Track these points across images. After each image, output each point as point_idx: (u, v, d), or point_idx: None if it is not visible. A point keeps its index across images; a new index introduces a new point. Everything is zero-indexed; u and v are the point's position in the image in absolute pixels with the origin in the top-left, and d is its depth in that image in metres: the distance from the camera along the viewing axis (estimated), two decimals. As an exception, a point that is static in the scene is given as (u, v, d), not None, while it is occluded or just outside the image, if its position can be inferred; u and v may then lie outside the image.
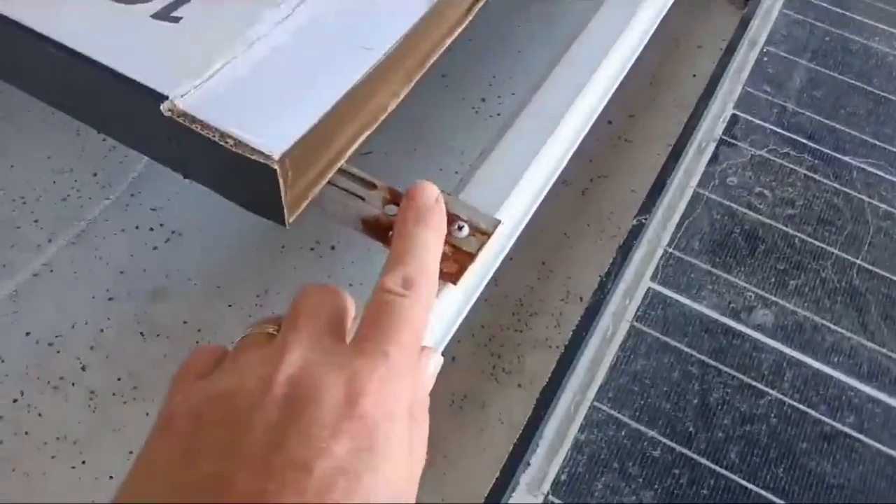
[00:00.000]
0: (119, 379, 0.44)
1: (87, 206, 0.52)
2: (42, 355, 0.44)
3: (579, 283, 0.52)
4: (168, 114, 0.34)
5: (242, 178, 0.35)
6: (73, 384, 0.43)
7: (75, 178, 0.53)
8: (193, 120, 0.34)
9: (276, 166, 0.33)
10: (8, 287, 0.47)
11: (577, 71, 0.48)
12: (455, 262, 0.36)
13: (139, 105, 0.35)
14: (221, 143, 0.33)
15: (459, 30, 0.46)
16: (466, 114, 0.64)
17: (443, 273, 0.35)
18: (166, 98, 0.34)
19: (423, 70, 0.43)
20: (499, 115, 0.64)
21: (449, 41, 0.45)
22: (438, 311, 0.35)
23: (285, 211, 0.35)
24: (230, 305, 0.48)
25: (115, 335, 0.45)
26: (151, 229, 0.51)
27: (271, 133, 0.34)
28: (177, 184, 0.54)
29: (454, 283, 0.35)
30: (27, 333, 0.45)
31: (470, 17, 0.46)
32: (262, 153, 0.33)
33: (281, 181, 0.34)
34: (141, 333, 0.46)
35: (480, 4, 0.47)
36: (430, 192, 0.32)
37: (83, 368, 0.44)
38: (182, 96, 0.35)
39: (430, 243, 0.30)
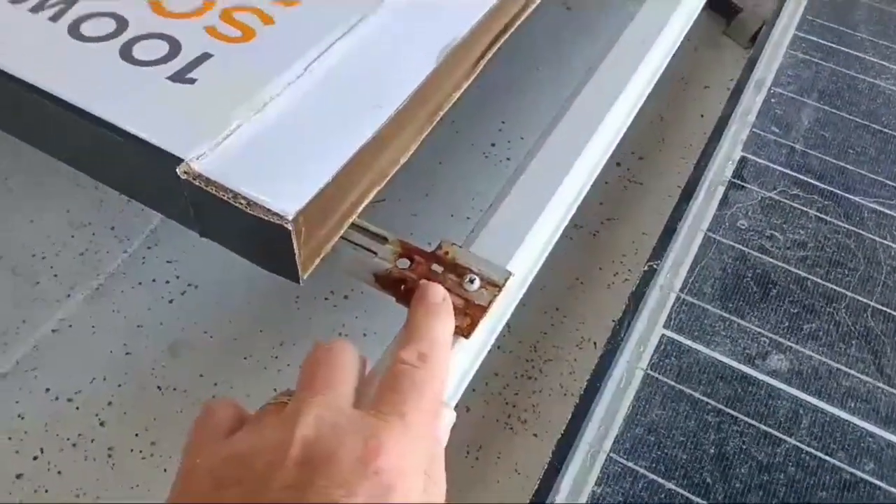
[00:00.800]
0: (137, 435, 0.44)
1: (105, 259, 0.53)
2: (61, 412, 0.45)
3: (593, 328, 0.52)
4: (184, 176, 0.35)
5: (257, 237, 0.36)
6: (92, 440, 0.43)
7: (93, 231, 0.54)
8: (208, 182, 0.35)
9: (289, 226, 0.34)
10: (28, 343, 0.48)
11: (587, 116, 0.49)
12: (467, 316, 0.36)
13: (155, 166, 0.36)
14: (236, 203, 0.34)
15: (467, 83, 0.46)
16: (477, 158, 0.65)
17: (455, 327, 0.35)
18: (182, 160, 0.35)
19: (432, 124, 0.44)
20: (509, 159, 0.65)
21: (457, 94, 0.46)
22: (451, 365, 0.36)
23: (299, 269, 0.36)
24: (246, 358, 0.48)
25: (132, 390, 0.46)
26: (168, 282, 0.52)
27: (285, 193, 0.35)
28: (192, 237, 0.55)
29: (466, 337, 0.36)
30: (47, 390, 0.46)
31: (478, 71, 0.47)
32: (276, 213, 0.34)
33: (294, 240, 0.35)
34: (158, 388, 0.46)
35: (488, 58, 0.48)
36: (437, 293, 0.34)
37: (102, 424, 0.44)
38: (197, 158, 0.35)
39: (440, 328, 0.32)
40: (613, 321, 0.47)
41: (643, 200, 0.63)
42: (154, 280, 0.51)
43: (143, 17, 0.43)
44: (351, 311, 0.50)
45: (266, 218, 0.34)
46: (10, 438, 0.43)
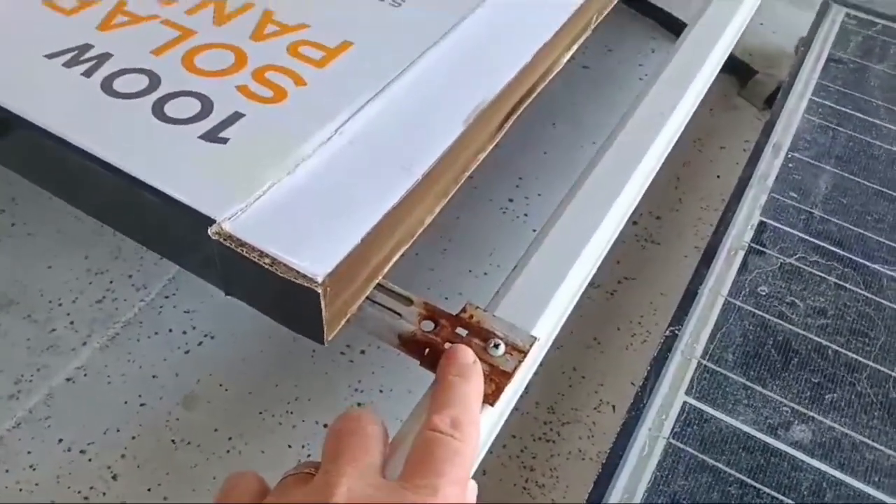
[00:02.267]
0: (149, 490, 0.44)
1: (121, 308, 0.53)
2: (73, 464, 0.44)
3: (611, 390, 0.52)
4: (215, 237, 0.35)
5: (284, 297, 0.36)
6: (103, 494, 0.43)
7: (111, 279, 0.55)
8: (239, 243, 0.35)
9: (318, 289, 0.34)
10: (42, 391, 0.48)
11: (607, 183, 0.50)
12: (492, 382, 0.36)
13: (186, 225, 0.37)
14: (265, 265, 0.34)
15: (492, 146, 0.47)
16: (495, 214, 0.65)
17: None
18: (214, 221, 0.36)
19: (458, 185, 0.45)
20: (526, 215, 0.66)
21: (482, 156, 0.47)
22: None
23: (324, 330, 0.36)
24: (261, 413, 0.48)
25: (146, 443, 0.46)
26: (184, 332, 0.52)
27: (314, 255, 0.35)
28: (210, 287, 0.55)
29: (492, 404, 0.36)
30: (59, 440, 0.46)
31: (502, 133, 0.48)
32: (305, 276, 0.34)
33: (322, 302, 0.35)
34: (172, 441, 0.46)
35: (511, 122, 0.49)
36: (468, 355, 0.34)
37: (114, 478, 0.44)
38: (229, 219, 0.36)
39: (471, 393, 0.32)
40: (632, 383, 0.47)
41: (660, 260, 0.63)
42: (170, 330, 0.51)
43: (175, 74, 0.44)
44: (368, 366, 0.49)
45: (295, 280, 0.34)
46: (20, 490, 0.42)
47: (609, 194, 0.48)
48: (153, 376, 0.48)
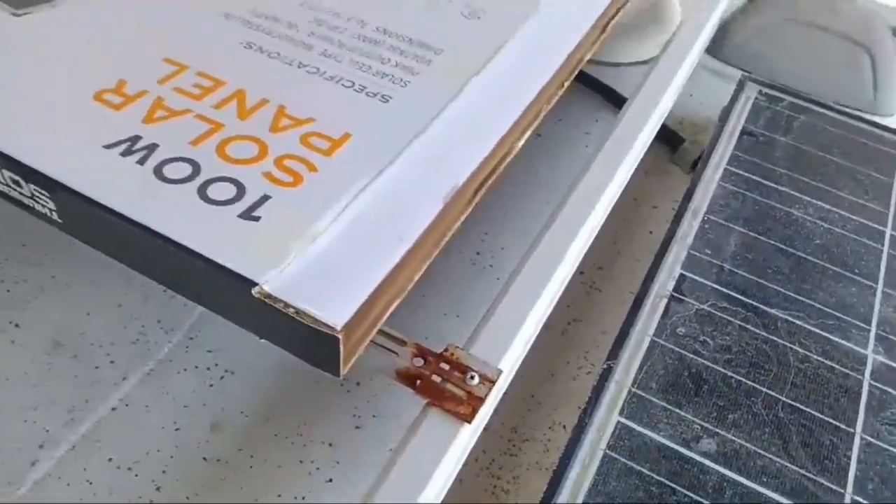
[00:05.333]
0: (188, 497, 0.52)
1: (153, 348, 0.62)
2: (123, 479, 0.53)
3: (563, 413, 0.63)
4: (257, 296, 0.45)
5: (309, 340, 0.46)
6: (150, 502, 0.52)
7: (142, 324, 0.64)
8: (276, 300, 0.45)
9: (339, 335, 0.44)
10: (92, 419, 0.56)
11: (558, 241, 0.60)
12: (469, 405, 0.46)
13: (230, 286, 0.46)
14: (297, 317, 0.44)
15: (464, 216, 0.58)
16: (465, 265, 0.76)
17: (460, 414, 0.46)
18: (255, 283, 0.45)
19: (439, 248, 0.55)
20: (492, 266, 0.76)
21: (457, 225, 0.57)
22: (456, 444, 0.45)
23: (341, 366, 0.46)
24: (276, 434, 0.57)
25: (182, 461, 0.54)
26: (208, 368, 0.61)
27: (334, 309, 0.45)
28: (228, 330, 0.64)
29: (469, 422, 0.46)
30: (110, 459, 0.54)
31: (472, 205, 0.59)
32: (328, 325, 0.44)
33: (341, 345, 0.45)
34: (204, 458, 0.55)
35: (481, 194, 0.60)
36: None
37: (158, 489, 0.52)
38: (267, 281, 0.46)
39: None
40: (579, 407, 0.57)
41: (602, 304, 0.74)
42: (196, 367, 0.60)
43: (212, 162, 0.54)
44: (363, 396, 0.59)
45: (320, 328, 0.44)
46: (81, 499, 0.51)
47: (560, 249, 0.58)
48: (185, 406, 0.57)
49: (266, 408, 0.58)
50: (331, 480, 0.53)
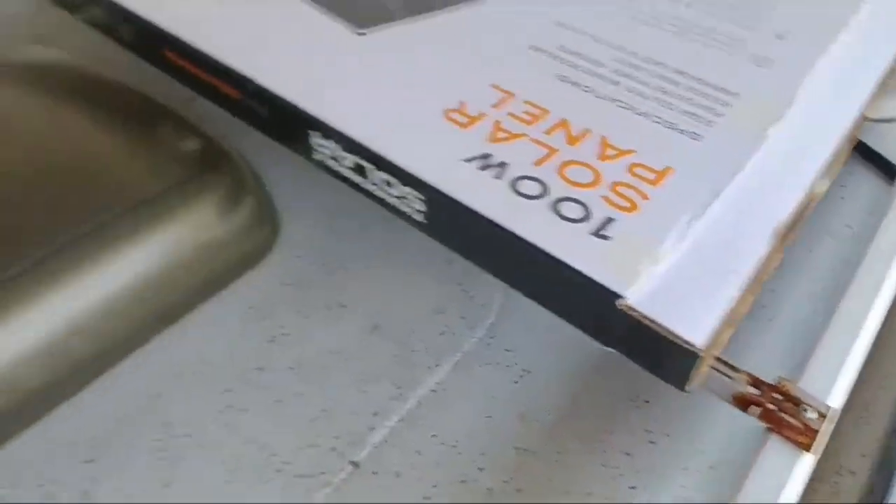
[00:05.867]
0: (504, 481, 0.58)
1: (458, 341, 0.69)
2: (447, 455, 0.60)
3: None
4: (621, 307, 0.50)
5: (664, 354, 0.50)
6: (476, 481, 0.58)
7: (447, 319, 0.71)
8: (640, 314, 0.50)
9: (700, 353, 0.48)
10: (415, 397, 0.64)
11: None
12: (807, 436, 0.49)
13: (592, 296, 0.52)
14: (659, 330, 0.49)
15: (781, 255, 0.60)
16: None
17: (799, 442, 0.48)
18: (620, 296, 0.51)
19: (761, 285, 0.58)
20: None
21: (775, 265, 0.60)
22: (797, 471, 0.48)
23: (689, 381, 0.50)
24: (577, 437, 0.62)
25: (495, 446, 0.60)
26: (508, 366, 0.67)
27: (693, 328, 0.49)
28: (523, 332, 0.70)
29: (808, 450, 0.49)
30: (433, 435, 0.61)
31: (787, 244, 0.61)
32: (689, 343, 0.48)
33: (697, 361, 0.49)
34: (515, 448, 0.61)
35: (792, 237, 0.61)
36: None
37: (480, 469, 0.59)
38: (630, 295, 0.51)
39: None
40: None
41: None
42: (498, 363, 0.67)
43: (556, 182, 0.60)
44: (653, 414, 0.63)
45: (682, 344, 0.49)
46: (413, 468, 0.58)
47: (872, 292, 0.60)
48: (492, 396, 0.64)
49: (566, 410, 0.63)
50: (634, 487, 0.57)
